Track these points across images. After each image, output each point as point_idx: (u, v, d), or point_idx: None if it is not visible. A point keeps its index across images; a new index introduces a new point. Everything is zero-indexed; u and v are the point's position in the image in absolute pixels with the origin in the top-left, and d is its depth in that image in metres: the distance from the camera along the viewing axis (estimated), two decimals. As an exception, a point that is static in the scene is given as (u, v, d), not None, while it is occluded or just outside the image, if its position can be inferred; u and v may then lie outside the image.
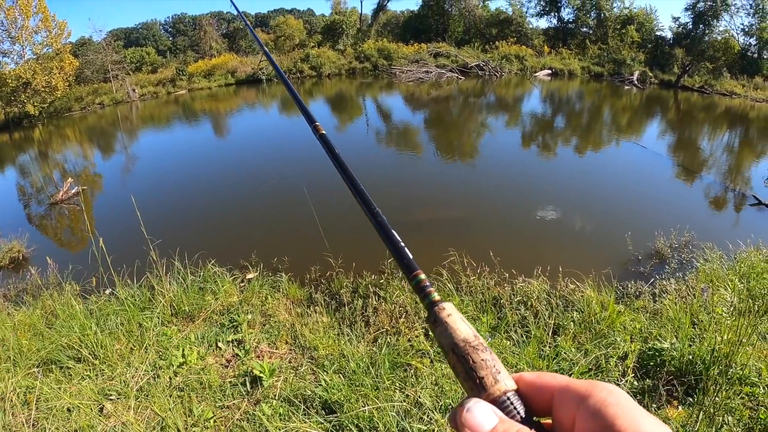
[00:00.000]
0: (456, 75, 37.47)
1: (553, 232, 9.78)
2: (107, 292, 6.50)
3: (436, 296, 0.63)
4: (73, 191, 13.59)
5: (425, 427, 3.79)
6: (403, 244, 0.70)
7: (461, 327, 0.59)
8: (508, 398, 0.54)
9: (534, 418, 0.55)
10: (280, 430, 3.83)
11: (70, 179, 14.02)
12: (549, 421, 0.55)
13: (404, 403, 4.08)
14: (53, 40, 31.83)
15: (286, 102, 31.23)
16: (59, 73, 31.06)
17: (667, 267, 7.82)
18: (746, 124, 25.84)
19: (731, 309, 5.52)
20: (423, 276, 0.66)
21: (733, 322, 4.78)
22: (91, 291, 6.61)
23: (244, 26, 60.34)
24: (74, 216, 12.83)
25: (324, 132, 1.01)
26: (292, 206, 11.35)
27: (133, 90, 36.09)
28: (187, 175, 15.41)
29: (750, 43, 41.67)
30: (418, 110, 26.28)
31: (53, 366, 4.83)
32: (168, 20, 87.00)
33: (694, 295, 6.29)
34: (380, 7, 54.91)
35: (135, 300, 5.93)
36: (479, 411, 0.52)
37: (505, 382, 0.55)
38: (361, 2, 58.91)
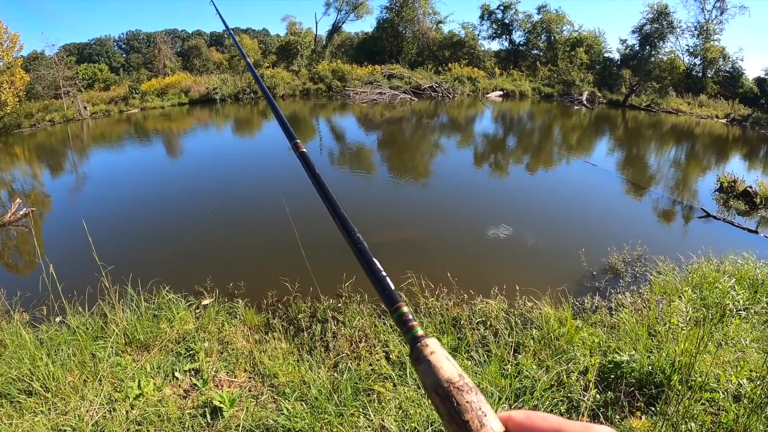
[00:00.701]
0: (409, 96, 38.01)
1: (508, 250, 9.89)
2: (57, 320, 6.31)
3: (419, 331, 0.62)
4: (21, 212, 13.19)
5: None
6: (384, 273, 0.69)
7: (445, 365, 0.57)
8: None
9: None
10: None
11: (18, 200, 13.61)
12: None
13: (369, 430, 4.07)
14: (4, 53, 31.07)
15: (239, 123, 31.08)
16: (9, 88, 30.32)
17: (621, 281, 8.04)
18: (692, 139, 26.87)
19: (687, 319, 5.65)
20: (406, 309, 0.64)
21: (690, 332, 4.92)
22: (41, 319, 6.42)
23: (199, 45, 59.92)
24: (22, 239, 12.47)
25: (304, 150, 1.02)
26: (247, 230, 11.25)
27: (85, 108, 35.37)
28: (139, 197, 15.13)
29: (695, 62, 43.71)
30: (372, 131, 26.44)
31: (3, 400, 4.65)
32: (122, 36, 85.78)
33: (649, 307, 6.48)
34: (335, 29, 55.42)
35: (87, 329, 5.76)
36: None
37: (492, 425, 0.52)
38: (316, 23, 59.18)
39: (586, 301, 7.05)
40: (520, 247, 10.05)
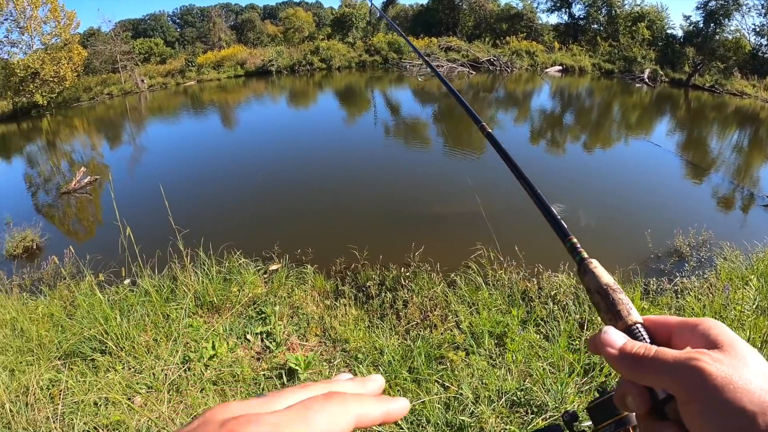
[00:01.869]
0: (467, 69, 37.14)
1: (572, 227, 9.64)
2: (126, 282, 6.39)
3: (585, 255, 0.76)
4: (85, 181, 13.50)
5: (470, 420, 3.70)
6: (559, 217, 0.84)
7: (604, 275, 0.71)
8: (638, 327, 0.65)
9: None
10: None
11: (83, 168, 13.93)
12: None
13: (444, 397, 4.00)
14: (62, 30, 31.75)
15: (294, 94, 31.14)
16: (68, 64, 30.99)
17: (686, 265, 7.73)
18: (756, 124, 25.67)
19: (753, 307, 5.47)
20: (575, 240, 0.79)
21: (756, 320, 4.89)
22: (111, 282, 6.51)
23: (252, 18, 60.19)
24: (85, 206, 12.75)
25: (490, 131, 1.17)
26: (313, 198, 11.28)
27: (142, 81, 36.03)
28: (198, 166, 15.31)
29: (761, 43, 41.37)
30: (428, 104, 26.11)
31: (76, 358, 4.71)
32: (176, 11, 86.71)
33: (714, 293, 6.22)
34: (390, 0, 54.76)
35: (159, 291, 5.82)
36: (613, 333, 0.64)
37: (635, 315, 0.66)
38: (372, -5, 58.58)
39: (651, 282, 6.82)
40: (584, 225, 9.81)
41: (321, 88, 33.58)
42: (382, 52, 42.12)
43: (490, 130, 1.16)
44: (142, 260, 6.11)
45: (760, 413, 0.49)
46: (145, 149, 20.06)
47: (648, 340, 0.64)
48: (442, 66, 36.50)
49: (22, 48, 31.33)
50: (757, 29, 41.25)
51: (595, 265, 0.73)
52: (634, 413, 0.69)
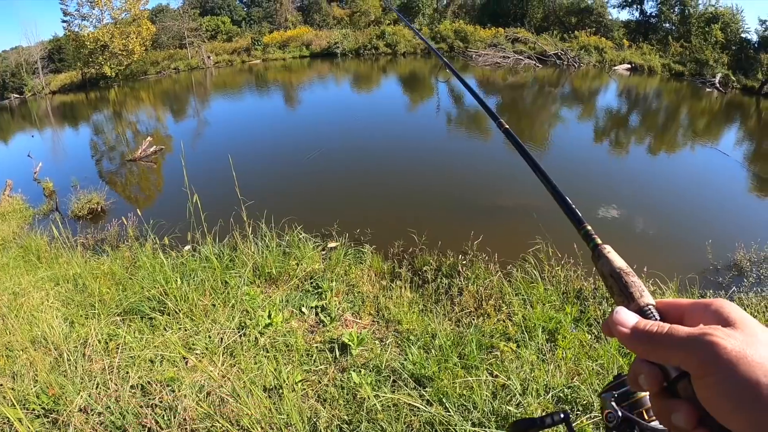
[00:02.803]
0: (533, 62, 36.50)
1: (632, 231, 9.49)
2: (187, 248, 6.54)
3: (599, 241, 0.78)
4: (151, 150, 13.85)
5: (517, 411, 3.68)
6: (573, 205, 0.87)
7: (617, 260, 0.73)
8: (650, 308, 0.67)
9: None
10: (374, 398, 3.74)
11: (149, 138, 14.30)
12: None
13: (492, 386, 3.98)
14: (131, 5, 32.67)
15: (358, 77, 31.22)
16: (136, 38, 31.92)
17: (745, 280, 7.45)
18: None
19: None
20: (589, 227, 0.81)
21: None
22: (174, 246, 6.68)
23: (319, 0, 60.53)
24: (150, 174, 13.09)
25: (507, 127, 1.24)
26: (376, 180, 11.35)
27: (209, 57, 36.76)
28: (260, 143, 15.60)
29: None
30: (492, 95, 25.78)
31: (135, 316, 4.86)
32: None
33: None
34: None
35: (220, 258, 5.94)
36: (624, 313, 0.65)
37: (648, 297, 0.68)
38: (440, -19, 58.06)
39: (708, 294, 6.71)
40: (644, 229, 9.62)
41: (385, 73, 33.62)
42: (448, 39, 41.64)
43: (507, 127, 1.23)
44: (206, 228, 6.24)
45: None
46: (208, 123, 20.44)
47: (656, 319, 0.65)
48: (509, 57, 36.02)
49: (92, 21, 32.46)
50: None
51: (609, 251, 0.76)
52: (647, 395, 0.73)
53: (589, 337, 4.90)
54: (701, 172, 14.88)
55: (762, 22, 42.47)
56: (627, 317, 0.65)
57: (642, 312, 0.66)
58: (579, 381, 4.09)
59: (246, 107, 22.96)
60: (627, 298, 0.69)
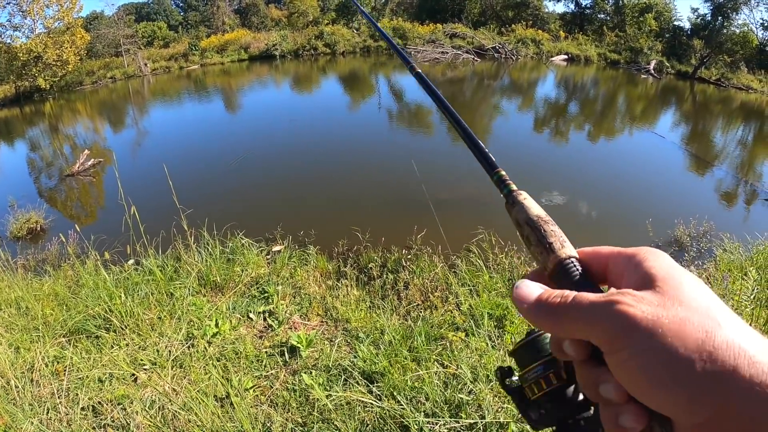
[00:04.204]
0: (472, 57, 37.03)
1: (573, 216, 9.74)
2: (130, 262, 6.45)
3: (514, 187, 0.73)
4: (89, 164, 13.55)
5: (469, 398, 3.76)
6: (486, 149, 0.81)
7: (534, 207, 0.69)
8: (572, 261, 0.61)
9: (591, 283, 0.60)
10: (326, 398, 3.78)
11: (86, 151, 13.99)
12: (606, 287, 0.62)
13: (443, 376, 4.06)
14: (65, 14, 31.73)
15: (298, 79, 31.09)
16: (71, 47, 31.01)
17: (686, 254, 7.81)
18: (761, 119, 25.60)
19: (751, 298, 5.55)
20: (503, 173, 0.76)
21: (753, 311, 4.99)
22: (115, 261, 6.57)
23: (256, 2, 60.02)
24: (88, 189, 12.81)
25: (419, 71, 1.14)
26: (315, 181, 11.34)
27: (145, 64, 36.01)
28: (200, 149, 15.38)
29: None
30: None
31: (81, 336, 4.78)
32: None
33: (712, 283, 6.29)
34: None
35: (163, 270, 5.88)
36: (527, 286, 0.60)
37: (569, 249, 0.63)
38: (377, -21, 58.11)
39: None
40: (586, 213, 9.90)
41: (325, 73, 33.56)
42: (388, 37, 41.71)
43: (419, 70, 1.14)
44: (147, 240, 6.17)
45: (697, 358, 0.44)
46: (148, 133, 20.10)
47: (578, 275, 0.60)
48: (448, 52, 36.43)
49: (24, 32, 31.48)
50: (765, 24, 40.96)
51: (525, 197, 0.71)
52: None
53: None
54: (640, 155, 15.37)
55: (694, 10, 44.17)
56: (529, 290, 0.59)
57: (563, 266, 0.61)
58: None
59: (185, 114, 22.64)
60: (545, 249, 0.63)
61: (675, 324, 0.45)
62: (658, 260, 0.54)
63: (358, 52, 41.33)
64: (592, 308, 0.51)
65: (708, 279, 6.52)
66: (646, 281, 0.52)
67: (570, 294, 0.54)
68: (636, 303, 0.48)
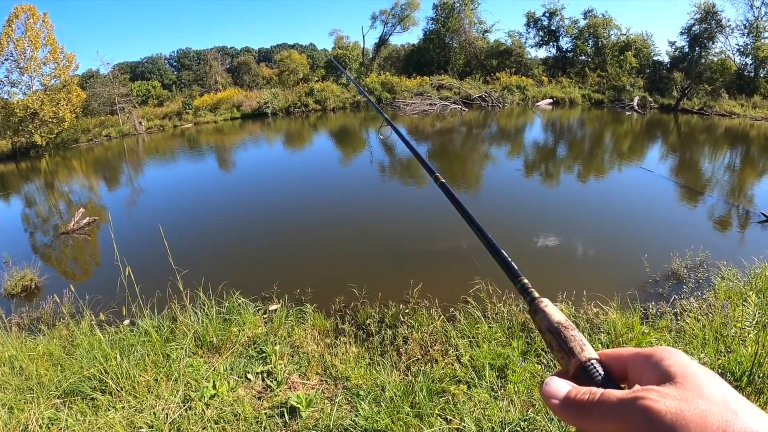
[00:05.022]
0: (459, 106, 37.82)
1: (570, 257, 9.76)
2: (125, 323, 6.38)
3: (536, 294, 0.78)
4: (84, 222, 13.54)
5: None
6: (507, 256, 0.87)
7: (556, 314, 0.73)
8: (592, 364, 0.65)
9: (612, 383, 0.64)
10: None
11: (81, 209, 13.98)
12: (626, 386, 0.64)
13: (447, 431, 4.01)
14: (61, 71, 32.28)
15: (290, 136, 31.37)
16: (66, 105, 31.44)
17: (684, 287, 7.81)
18: (747, 143, 26.02)
19: (753, 322, 5.56)
20: (526, 281, 0.81)
21: (758, 335, 4.99)
22: (111, 322, 6.51)
23: (248, 61, 61.23)
24: (85, 246, 12.75)
25: (443, 181, 1.25)
26: (311, 238, 11.32)
27: (140, 123, 36.40)
28: (195, 208, 15.37)
29: (746, 62, 42.37)
30: (422, 142, 26.24)
31: (76, 397, 4.70)
32: (173, 55, 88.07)
33: (714, 312, 6.29)
34: (382, 42, 55.92)
35: (159, 331, 5.82)
36: (555, 383, 0.63)
37: (589, 351, 0.66)
38: (363, 37, 58.79)
39: (650, 306, 6.93)
40: (583, 254, 9.91)
41: (316, 129, 33.91)
42: (376, 92, 42.56)
43: (444, 180, 1.25)
44: (142, 300, 6.12)
45: None
46: (142, 191, 20.13)
47: (601, 376, 0.64)
48: (435, 103, 37.05)
49: (21, 88, 31.98)
50: (741, 49, 42.19)
51: (546, 304, 0.75)
52: None
53: (539, 367, 4.99)
54: (630, 191, 15.49)
55: (671, 43, 45.47)
56: (558, 387, 0.62)
57: (584, 368, 0.65)
58: (533, 412, 4.16)
59: (179, 172, 22.73)
60: (567, 353, 0.67)
61: (696, 416, 0.48)
62: (674, 357, 0.58)
63: (348, 108, 41.92)
64: (619, 404, 0.53)
65: (708, 308, 6.53)
66: (666, 378, 0.55)
67: (597, 391, 0.58)
68: (660, 398, 0.51)
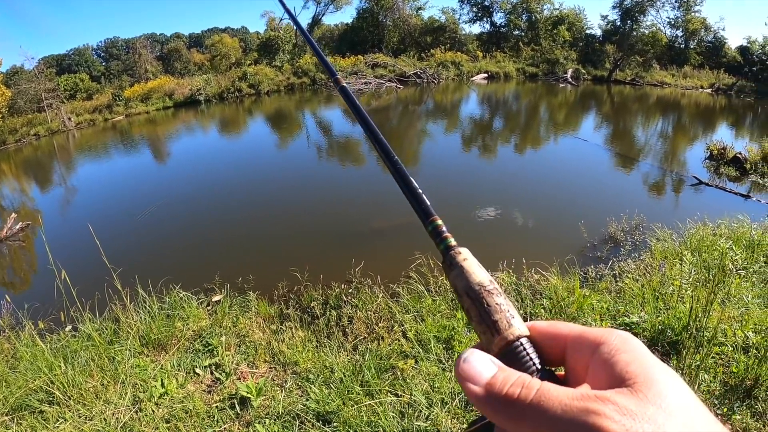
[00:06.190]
0: (395, 84, 38.02)
1: (510, 227, 10.00)
2: (68, 329, 6.27)
3: (452, 241, 0.62)
4: (17, 227, 13.12)
5: (426, 424, 3.80)
6: (420, 190, 0.69)
7: (477, 271, 0.58)
8: (522, 344, 0.53)
9: (546, 367, 0.53)
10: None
11: (14, 214, 13.53)
12: (562, 372, 0.55)
13: (398, 406, 4.11)
14: (-17, 70, 30.93)
15: (225, 122, 30.90)
16: (-9, 105, 30.19)
17: (622, 249, 8.21)
18: (678, 110, 27.05)
19: (690, 280, 5.84)
20: (440, 221, 0.64)
21: (694, 292, 5.12)
22: (53, 330, 6.38)
23: (178, 47, 59.70)
24: (20, 253, 12.39)
25: (344, 84, 0.99)
26: (249, 225, 11.23)
27: (69, 119, 35.15)
28: (131, 203, 15.01)
29: (677, 34, 44.17)
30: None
31: (24, 412, 4.61)
32: (100, 45, 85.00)
33: (651, 272, 6.57)
34: (315, 22, 55.39)
35: (101, 333, 5.73)
36: (476, 360, 0.51)
37: (518, 327, 0.54)
38: (296, 17, 58.22)
39: (590, 270, 7.25)
40: (521, 223, 10.17)
41: (251, 114, 33.45)
42: (310, 73, 42.26)
43: (344, 84, 0.99)
44: (82, 304, 6.00)
45: None
46: (76, 190, 19.58)
47: (536, 361, 0.52)
48: (371, 82, 37.05)
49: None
50: (672, 22, 43.75)
51: (465, 257, 0.60)
52: None
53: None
54: (567, 161, 15.92)
55: (603, 17, 46.78)
56: (480, 368, 0.50)
57: (510, 350, 0.53)
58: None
59: (114, 168, 22.12)
60: (490, 328, 0.54)
61: None
62: (632, 351, 0.47)
63: (283, 91, 41.38)
64: (563, 416, 0.42)
65: (646, 269, 6.83)
66: (621, 380, 0.44)
67: (533, 386, 0.46)
68: (619, 416, 0.40)
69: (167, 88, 40.55)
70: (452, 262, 0.60)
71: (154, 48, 60.67)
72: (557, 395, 0.43)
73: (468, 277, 0.57)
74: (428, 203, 0.67)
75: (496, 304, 0.55)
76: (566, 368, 0.54)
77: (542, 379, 0.48)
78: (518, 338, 0.53)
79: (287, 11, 1.53)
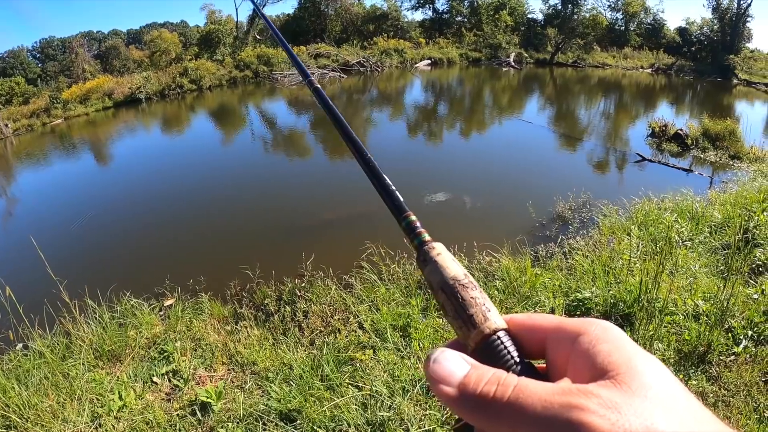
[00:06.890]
0: (338, 74, 38.00)
1: (459, 211, 10.11)
2: (18, 347, 6.12)
3: (427, 237, 0.62)
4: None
5: (390, 414, 3.85)
6: (393, 187, 0.70)
7: (451, 266, 0.57)
8: (499, 337, 0.52)
9: (526, 360, 0.52)
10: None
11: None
12: (543, 365, 0.53)
13: (360, 398, 4.14)
14: None
15: (168, 120, 30.33)
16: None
17: (570, 227, 8.44)
18: (620, 90, 27.75)
19: (638, 253, 6.02)
20: (413, 217, 0.65)
21: (643, 265, 5.32)
22: (3, 350, 6.21)
23: (116, 44, 58.14)
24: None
25: (318, 86, 1.01)
26: (194, 225, 11.08)
27: (6, 125, 33.91)
28: (73, 210, 14.62)
29: (617, 17, 45.58)
30: (303, 113, 26.09)
31: (-20, 440, 4.51)
32: (35, 45, 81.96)
33: (600, 247, 6.76)
34: (256, 13, 54.35)
35: (53, 350, 5.60)
36: (447, 360, 0.49)
37: (495, 320, 0.53)
38: (236, 9, 56.80)
39: (541, 249, 7.42)
40: (470, 206, 10.29)
41: (194, 111, 32.86)
42: (252, 66, 41.55)
43: (318, 86, 1.00)
44: (30, 320, 5.86)
45: None
46: (18, 200, 18.98)
47: (514, 354, 0.51)
48: (314, 73, 36.78)
49: None
50: (612, 5, 45.18)
51: (439, 252, 0.60)
52: None
53: (441, 320, 5.18)
54: (512, 143, 16.22)
55: (545, 1, 47.93)
56: (451, 368, 0.48)
57: (488, 344, 0.52)
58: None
59: (55, 174, 21.52)
60: (465, 322, 0.53)
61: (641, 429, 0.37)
62: (614, 341, 0.46)
63: (225, 85, 40.62)
64: (544, 413, 0.40)
65: (595, 245, 7.03)
66: (603, 371, 0.43)
67: (509, 383, 0.44)
68: (603, 411, 0.39)
69: (106, 87, 39.35)
70: (426, 257, 0.60)
71: (91, 46, 58.85)
72: (536, 391, 0.42)
73: (442, 272, 0.57)
74: (402, 199, 0.68)
75: (471, 297, 0.54)
76: (547, 361, 0.52)
77: (522, 373, 0.48)
78: (495, 332, 0.52)
79: (255, 6, 1.52)
